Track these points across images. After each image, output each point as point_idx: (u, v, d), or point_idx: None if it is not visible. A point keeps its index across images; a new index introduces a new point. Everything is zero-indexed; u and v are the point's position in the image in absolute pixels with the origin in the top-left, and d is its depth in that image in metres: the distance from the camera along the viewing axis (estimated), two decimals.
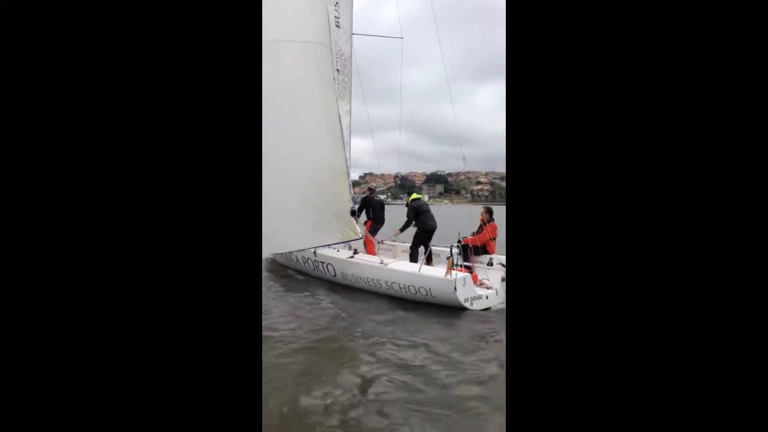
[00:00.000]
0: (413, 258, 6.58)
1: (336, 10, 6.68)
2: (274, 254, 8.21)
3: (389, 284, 5.77)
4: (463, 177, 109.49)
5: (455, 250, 5.90)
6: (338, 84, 7.04)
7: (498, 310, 5.08)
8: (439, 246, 7.00)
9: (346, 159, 6.04)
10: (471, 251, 6.36)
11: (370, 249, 7.14)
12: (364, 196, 8.15)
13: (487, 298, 5.31)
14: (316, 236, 5.92)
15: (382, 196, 7.52)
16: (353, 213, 6.08)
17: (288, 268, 8.04)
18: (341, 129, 6.00)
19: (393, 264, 5.86)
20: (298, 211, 5.62)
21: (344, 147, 5.97)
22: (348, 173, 6.03)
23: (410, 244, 6.96)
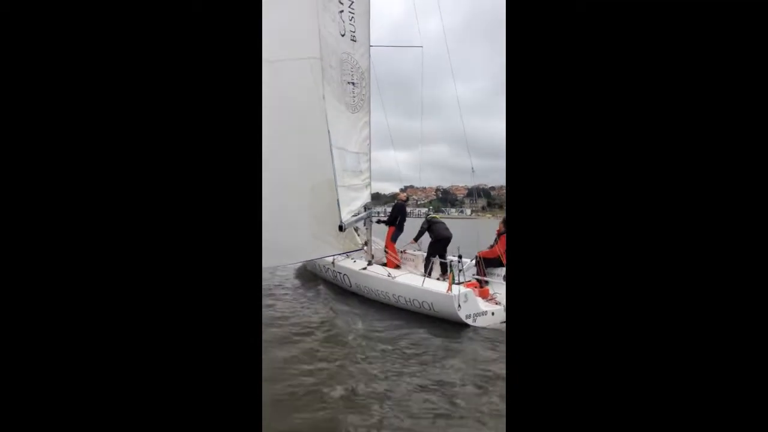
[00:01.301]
0: (427, 265, 6.49)
1: (352, 24, 6.79)
2: (304, 262, 8.40)
3: (396, 297, 5.73)
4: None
5: (458, 264, 5.75)
6: (354, 96, 7.14)
7: (499, 330, 4.80)
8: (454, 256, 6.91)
9: (334, 171, 6.03)
10: (482, 264, 6.16)
11: (391, 251, 7.18)
12: (397, 202, 8.29)
13: (492, 314, 5.10)
14: (317, 247, 5.98)
15: (423, 209, 7.54)
16: (341, 228, 6.07)
17: (315, 275, 8.17)
18: (330, 141, 5.99)
19: (400, 277, 5.81)
20: (299, 222, 5.70)
21: (332, 159, 5.97)
22: (336, 186, 6.01)
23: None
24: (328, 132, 5.90)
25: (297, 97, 5.54)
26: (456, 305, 4.85)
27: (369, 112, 7.73)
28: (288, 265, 8.97)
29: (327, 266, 7.29)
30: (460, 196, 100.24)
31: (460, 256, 6.16)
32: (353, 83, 6.98)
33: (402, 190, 9.40)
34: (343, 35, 6.58)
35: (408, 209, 8.27)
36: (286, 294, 6.96)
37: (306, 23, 5.65)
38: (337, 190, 5.99)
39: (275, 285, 7.57)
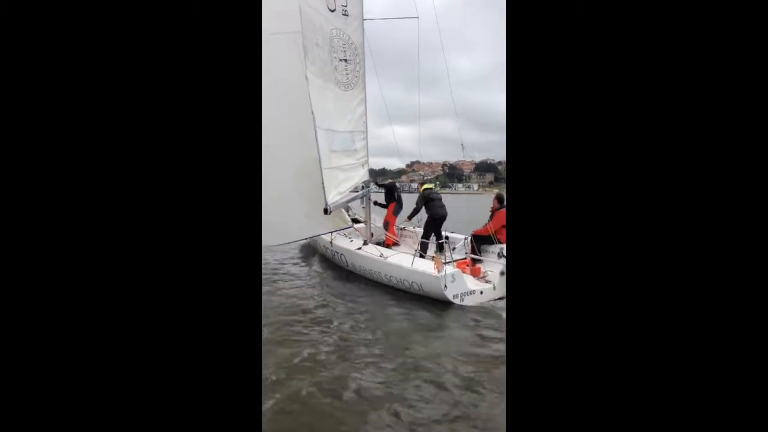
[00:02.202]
0: (424, 247, 6.51)
1: None
2: (309, 239, 8.53)
3: (388, 277, 5.80)
4: None
5: (446, 244, 5.75)
6: (347, 74, 7.01)
7: (487, 311, 4.84)
8: (454, 233, 7.05)
9: (318, 153, 5.98)
10: (473, 242, 6.17)
11: (391, 227, 7.29)
12: (386, 182, 8.44)
13: (482, 293, 5.13)
14: (310, 226, 6.01)
15: (430, 185, 7.55)
16: (326, 211, 6.10)
17: (317, 251, 8.32)
18: (314, 123, 5.93)
19: (391, 257, 5.85)
20: (292, 201, 5.71)
21: (316, 141, 5.91)
22: (320, 168, 5.97)
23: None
24: (312, 114, 5.82)
25: (281, 72, 5.44)
26: (442, 286, 4.90)
27: (364, 88, 7.59)
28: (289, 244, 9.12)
29: (326, 245, 7.35)
30: (467, 171, 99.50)
31: (446, 237, 6.21)
32: (346, 60, 6.84)
33: (408, 166, 9.46)
34: (333, 10, 6.41)
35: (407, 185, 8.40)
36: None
37: None
38: (321, 172, 5.96)
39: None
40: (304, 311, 4.79)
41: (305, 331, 4.18)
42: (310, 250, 8.77)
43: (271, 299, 5.14)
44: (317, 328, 4.25)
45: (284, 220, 5.86)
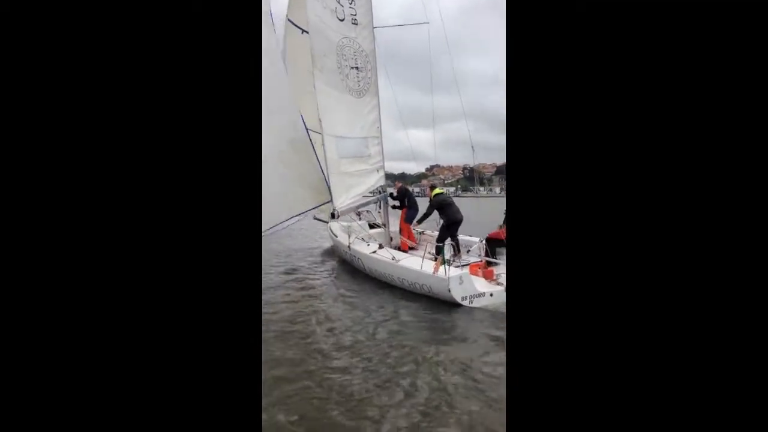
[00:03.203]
0: (438, 251, 6.54)
1: (352, 7, 6.73)
2: (333, 243, 8.75)
3: (401, 280, 5.85)
4: None
5: (450, 247, 5.75)
6: (359, 81, 7.13)
7: (493, 312, 4.84)
8: (472, 236, 7.11)
9: (306, 130, 6.04)
10: (487, 245, 6.18)
11: (405, 234, 7.33)
12: (399, 187, 8.44)
13: (491, 295, 5.12)
14: (293, 207, 6.16)
15: (451, 189, 7.48)
16: (333, 216, 6.17)
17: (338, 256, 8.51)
18: (321, 126, 6.02)
19: (403, 261, 5.90)
20: (274, 185, 5.83)
21: (301, 118, 5.97)
22: (311, 144, 6.05)
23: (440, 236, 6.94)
24: (320, 121, 5.91)
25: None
26: (449, 288, 4.97)
27: (377, 95, 7.70)
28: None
29: (345, 249, 7.46)
30: (488, 174, 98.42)
31: (456, 243, 6.25)
32: (357, 68, 6.96)
33: (428, 170, 9.43)
34: (342, 20, 6.55)
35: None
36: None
37: None
38: (328, 179, 6.04)
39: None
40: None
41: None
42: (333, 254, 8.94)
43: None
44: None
45: (268, 205, 6.02)
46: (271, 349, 3.85)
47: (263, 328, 4.31)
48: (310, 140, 5.99)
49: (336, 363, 3.57)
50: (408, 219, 7.74)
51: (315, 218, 8.20)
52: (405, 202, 7.95)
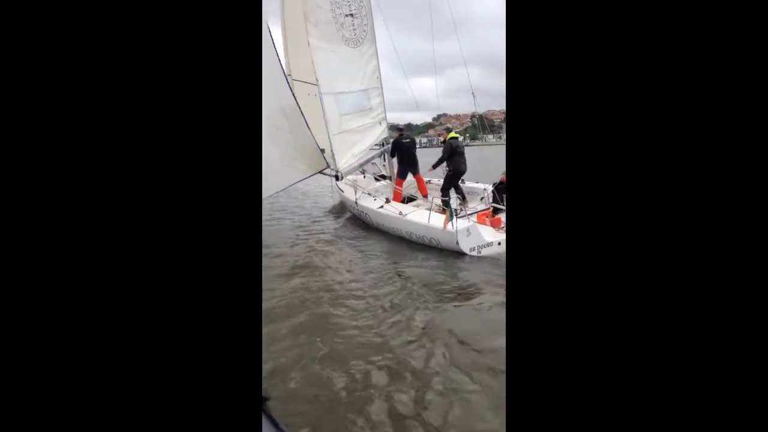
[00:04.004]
0: (446, 205, 6.50)
1: None
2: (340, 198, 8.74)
3: (408, 233, 5.89)
4: None
5: (457, 199, 5.71)
6: (354, 29, 6.80)
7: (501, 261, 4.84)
8: (479, 183, 7.09)
9: (294, 96, 5.89)
10: (495, 192, 6.13)
11: (396, 195, 7.17)
12: (394, 139, 7.80)
13: (499, 244, 5.13)
14: (290, 174, 6.14)
15: (460, 138, 7.26)
16: (337, 178, 6.06)
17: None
18: (282, 67, 5.81)
19: (410, 215, 5.91)
20: (269, 155, 5.78)
21: (287, 82, 5.80)
22: (298, 110, 5.89)
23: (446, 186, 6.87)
24: (317, 81, 5.73)
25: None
26: (457, 241, 5.01)
27: (374, 42, 7.37)
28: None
29: (352, 205, 7.45)
30: (497, 121, 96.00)
31: (460, 190, 6.20)
32: (351, 14, 6.63)
33: (435, 119, 9.09)
34: None
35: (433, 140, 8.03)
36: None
37: None
38: (330, 140, 5.92)
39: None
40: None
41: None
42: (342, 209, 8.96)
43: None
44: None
45: (265, 173, 5.99)
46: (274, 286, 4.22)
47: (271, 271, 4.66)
48: (299, 108, 5.82)
49: (340, 301, 3.83)
50: (399, 175, 7.35)
51: (321, 173, 8.14)
52: (394, 155, 7.48)
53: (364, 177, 8.52)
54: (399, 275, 4.56)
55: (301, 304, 3.80)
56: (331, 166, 6.52)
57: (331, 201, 9.75)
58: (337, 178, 6.01)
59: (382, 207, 6.51)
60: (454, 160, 6.65)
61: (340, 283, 4.36)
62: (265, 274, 4.40)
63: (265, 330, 3.18)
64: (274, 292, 4.10)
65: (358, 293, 4.02)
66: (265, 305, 3.58)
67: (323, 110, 5.87)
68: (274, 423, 1.12)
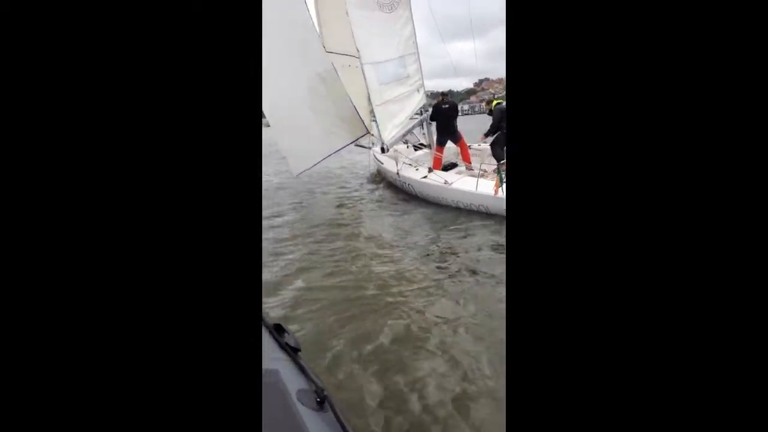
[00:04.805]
0: (498, 157, 6.41)
1: None
2: (377, 168, 8.68)
3: (455, 202, 5.81)
4: None
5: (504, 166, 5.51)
6: None
7: None
8: None
9: (330, 62, 5.77)
10: None
11: (436, 162, 7.02)
12: (433, 105, 7.49)
13: None
14: (330, 143, 6.10)
15: (503, 103, 6.98)
16: (383, 150, 5.93)
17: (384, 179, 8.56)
18: (317, 32, 5.70)
19: (456, 183, 5.79)
20: (309, 124, 5.73)
21: (323, 48, 5.69)
22: (336, 75, 5.77)
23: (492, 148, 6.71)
24: (357, 51, 5.59)
25: None
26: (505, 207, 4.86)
27: (409, 6, 7.09)
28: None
29: (393, 176, 7.39)
30: None
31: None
32: None
33: (476, 84, 8.73)
34: None
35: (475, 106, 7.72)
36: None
37: None
38: (373, 110, 5.80)
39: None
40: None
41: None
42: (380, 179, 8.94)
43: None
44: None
45: (304, 143, 5.96)
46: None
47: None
48: (336, 72, 5.74)
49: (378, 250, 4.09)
50: (438, 142, 7.11)
51: (356, 144, 8.02)
52: (434, 123, 7.27)
53: (408, 147, 8.39)
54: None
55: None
56: (373, 133, 6.40)
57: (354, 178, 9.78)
58: (383, 150, 5.92)
59: (425, 177, 6.40)
60: (502, 127, 6.48)
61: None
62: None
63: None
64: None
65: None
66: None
67: (366, 82, 5.75)
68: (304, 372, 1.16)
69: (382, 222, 5.61)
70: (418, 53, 7.26)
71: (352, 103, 6.09)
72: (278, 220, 5.91)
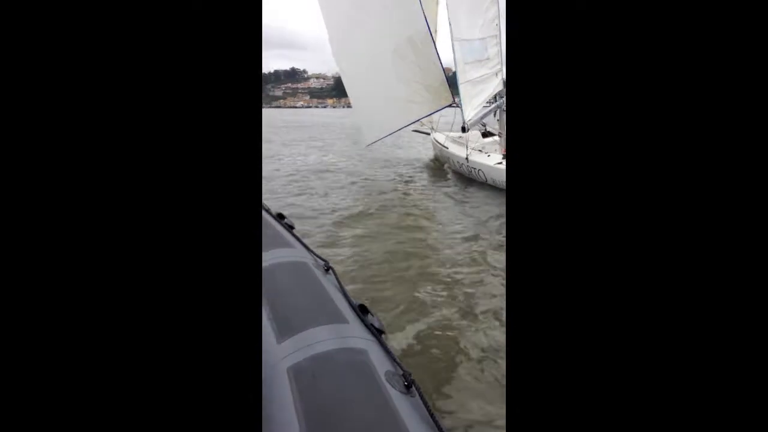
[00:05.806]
0: None
1: None
2: (437, 154, 8.49)
3: None
4: None
5: None
6: None
7: None
8: None
9: (426, 25, 5.39)
10: None
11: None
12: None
13: None
14: (410, 111, 5.85)
15: None
16: (464, 129, 5.73)
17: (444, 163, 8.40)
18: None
19: None
20: (390, 89, 5.52)
21: (422, 12, 5.32)
22: (432, 40, 5.41)
23: None
24: (450, 25, 5.42)
25: None
26: None
27: None
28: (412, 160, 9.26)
29: (461, 162, 7.24)
30: None
31: None
32: None
33: None
34: None
35: None
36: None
37: None
38: (458, 87, 5.62)
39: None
40: None
41: None
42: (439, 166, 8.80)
43: None
44: None
45: (378, 113, 5.76)
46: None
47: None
48: (432, 38, 5.50)
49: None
50: None
51: (414, 131, 7.75)
52: None
53: (478, 130, 8.21)
54: None
55: None
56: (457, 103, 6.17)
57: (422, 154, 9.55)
58: (463, 129, 5.77)
59: (500, 163, 6.23)
60: None
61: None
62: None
63: None
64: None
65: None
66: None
67: (454, 57, 5.60)
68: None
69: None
70: (500, 36, 7.04)
71: (442, 69, 5.79)
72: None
